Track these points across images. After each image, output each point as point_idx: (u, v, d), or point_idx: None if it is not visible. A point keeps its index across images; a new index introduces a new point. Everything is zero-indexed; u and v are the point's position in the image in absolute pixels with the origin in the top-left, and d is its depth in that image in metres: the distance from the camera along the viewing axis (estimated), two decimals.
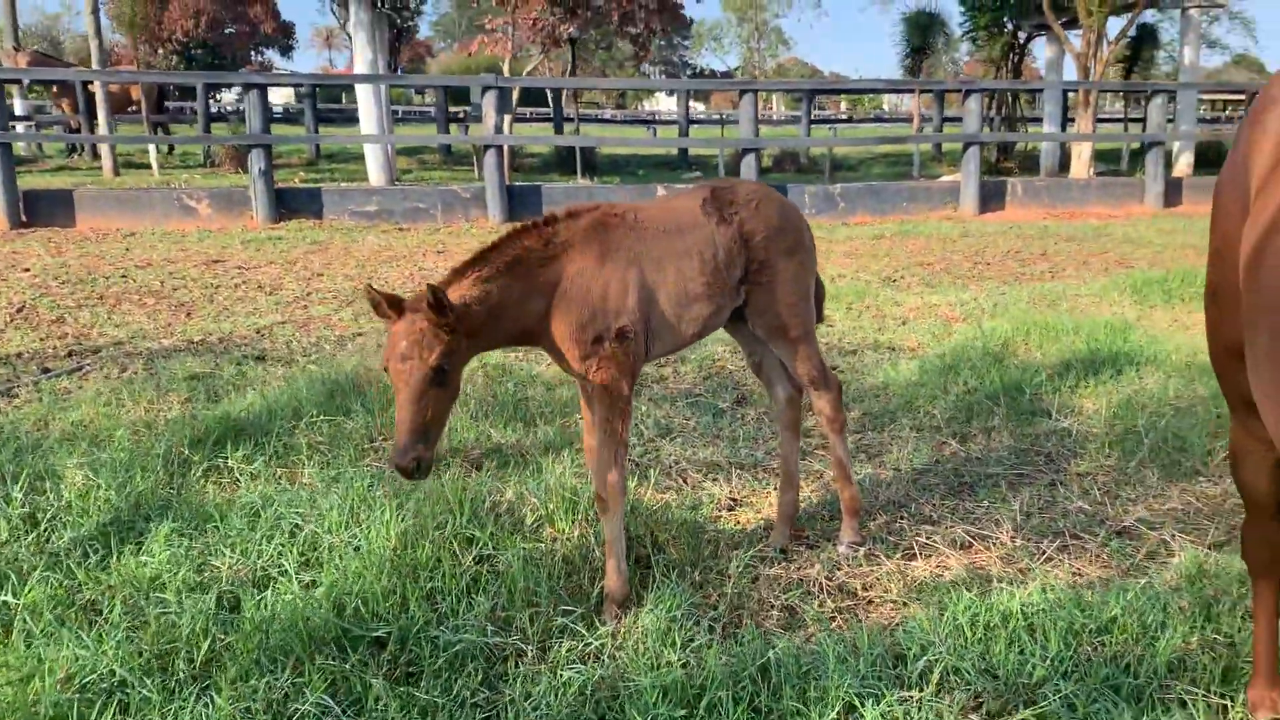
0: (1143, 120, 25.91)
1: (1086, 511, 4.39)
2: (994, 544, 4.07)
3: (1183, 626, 3.14)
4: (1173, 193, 15.28)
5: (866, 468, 4.94)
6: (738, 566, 3.71)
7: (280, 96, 54.44)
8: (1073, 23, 19.45)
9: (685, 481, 4.72)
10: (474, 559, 3.52)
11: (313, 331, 7.58)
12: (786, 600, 3.55)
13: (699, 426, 5.50)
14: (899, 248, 11.61)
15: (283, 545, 3.59)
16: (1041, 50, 24.26)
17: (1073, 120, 24.00)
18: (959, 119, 35.78)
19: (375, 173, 15.79)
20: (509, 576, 3.41)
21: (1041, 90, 21.33)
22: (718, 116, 38.41)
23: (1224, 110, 44.12)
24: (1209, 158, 21.49)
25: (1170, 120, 18.58)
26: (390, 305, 2.99)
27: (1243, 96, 27.28)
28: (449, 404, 3.07)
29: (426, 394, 2.94)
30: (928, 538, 4.11)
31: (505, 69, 21.00)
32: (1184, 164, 18.32)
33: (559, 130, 25.38)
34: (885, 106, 70.37)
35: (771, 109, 62.84)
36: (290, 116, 44.05)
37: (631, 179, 20.71)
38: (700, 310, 3.54)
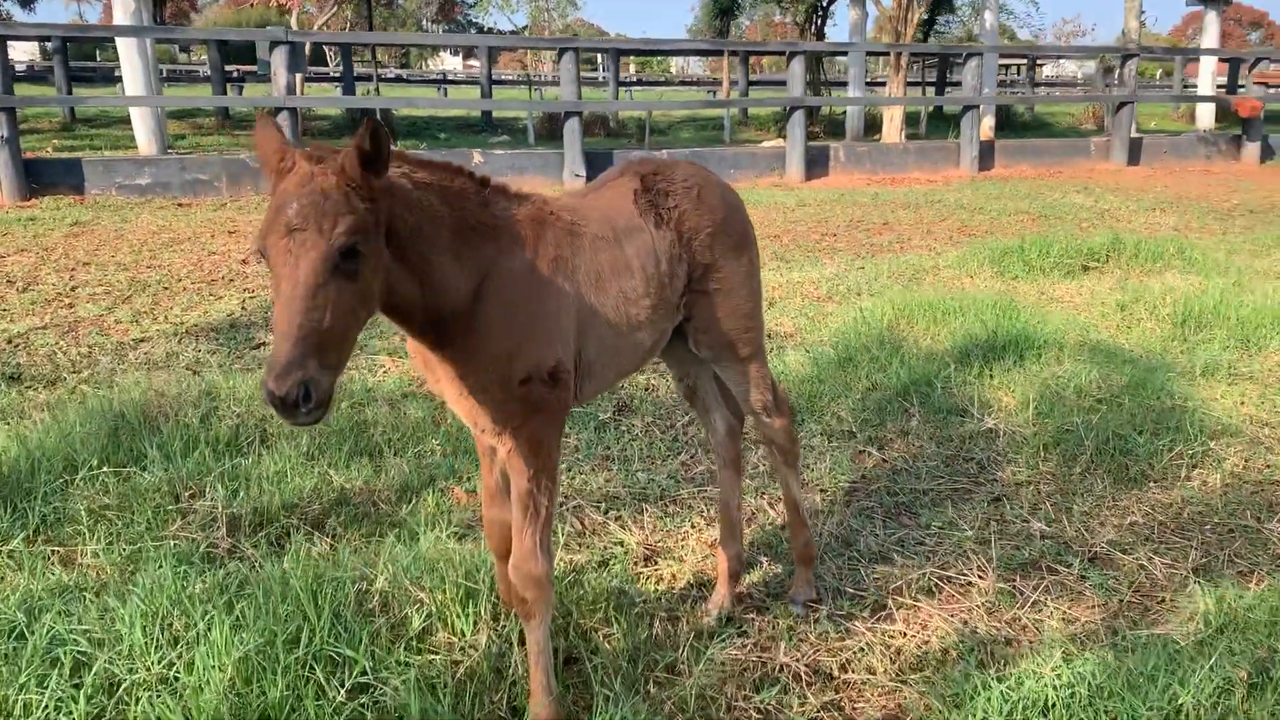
0: (936, 84, 26.64)
1: (1047, 534, 3.84)
2: (967, 588, 3.44)
3: (1259, 711, 2.57)
4: (985, 156, 15.46)
5: None
6: (690, 658, 2.91)
7: (23, 53, 48.94)
8: None
9: (585, 526, 3.86)
10: (347, 691, 2.55)
11: (82, 338, 6.19)
12: (761, 702, 2.78)
13: (581, 446, 4.64)
14: None
15: (63, 693, 2.50)
16: (844, 14, 24.32)
17: (877, 85, 24.33)
18: (762, 82, 35.99)
19: (145, 139, 13.87)
20: (399, 715, 2.47)
21: (846, 53, 21.31)
22: (522, 77, 37.05)
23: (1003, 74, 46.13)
24: (1002, 121, 22.18)
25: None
26: (279, 154, 2.05)
27: (1024, 60, 28.49)
28: (358, 315, 2.06)
29: (325, 286, 1.95)
30: (890, 585, 3.44)
31: (293, 23, 19.13)
32: (986, 127, 18.66)
33: (350, 90, 23.54)
34: (673, 69, 70.53)
35: (554, 68, 61.60)
36: (37, 75, 39.48)
37: (436, 143, 19.38)
38: (642, 339, 2.74)
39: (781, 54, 15.76)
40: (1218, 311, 6.26)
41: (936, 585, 3.47)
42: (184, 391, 4.78)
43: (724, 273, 2.90)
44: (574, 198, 2.82)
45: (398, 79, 44.58)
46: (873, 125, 22.30)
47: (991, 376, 5.34)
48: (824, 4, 23.43)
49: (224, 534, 3.55)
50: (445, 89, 37.62)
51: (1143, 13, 18.60)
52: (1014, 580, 3.51)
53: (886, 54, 18.78)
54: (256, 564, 3.35)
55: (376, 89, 23.87)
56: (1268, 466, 4.39)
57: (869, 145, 15.78)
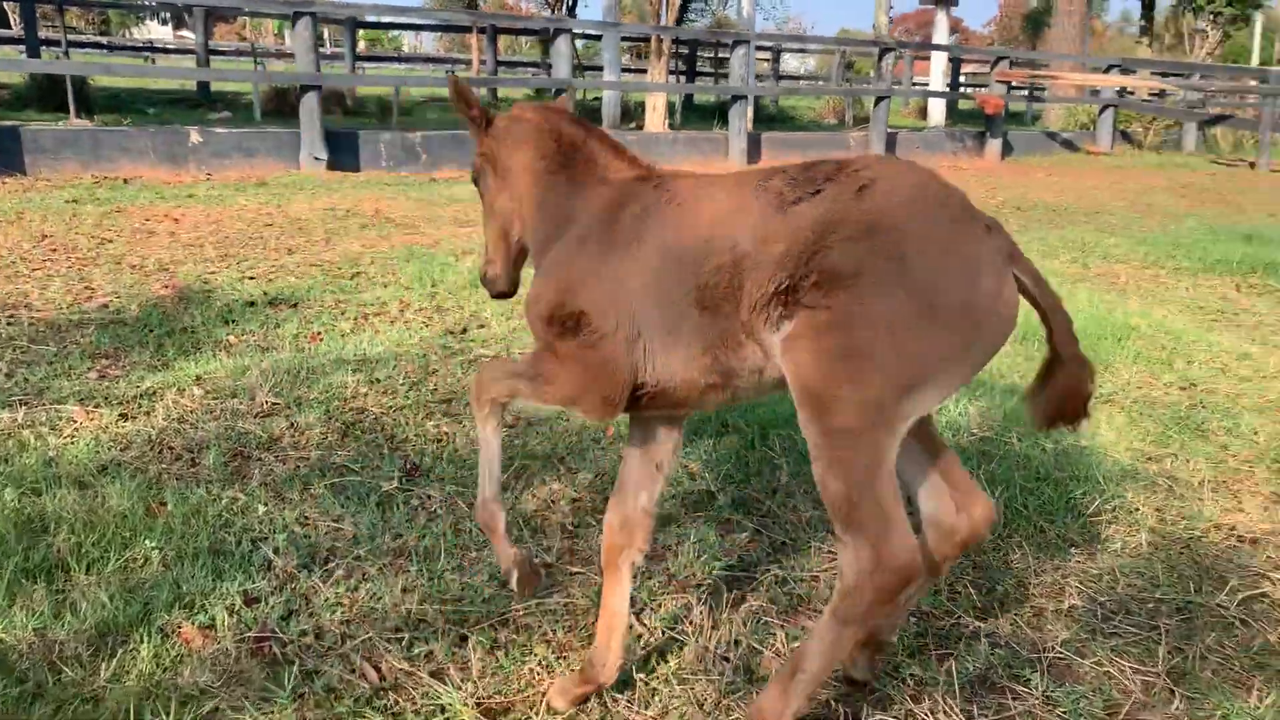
0: (687, 73, 26.40)
1: (985, 632, 3.03)
2: None
3: None
4: (752, 148, 15.07)
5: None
6: None
7: None
8: None
9: (382, 675, 2.67)
10: None
11: None
12: None
13: (360, 533, 3.42)
14: None
15: None
16: None
17: (628, 71, 23.65)
18: (509, 63, 34.70)
19: None
20: None
21: (600, 36, 20.45)
22: (242, 48, 33.75)
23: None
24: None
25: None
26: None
27: (770, 52, 28.79)
28: (495, 228, 2.76)
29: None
30: None
31: None
32: (748, 118, 18.41)
33: (35, 55, 20.27)
34: (405, 46, 68.04)
35: (280, 41, 57.24)
36: None
37: (142, 118, 16.86)
38: (695, 342, 2.24)
39: (535, 33, 14.66)
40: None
41: None
42: None
43: (854, 287, 1.96)
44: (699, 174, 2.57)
45: (96, 46, 39.80)
46: (626, 113, 21.63)
47: None
48: None
49: None
50: (153, 58, 33.84)
51: (890, 8, 18.97)
52: (970, 710, 2.66)
53: (646, 39, 18.09)
54: None
55: (65, 52, 20.73)
56: (1182, 518, 3.80)
57: (637, 134, 15.01)
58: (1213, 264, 8.27)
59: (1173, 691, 2.79)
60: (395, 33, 56.75)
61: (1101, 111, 20.34)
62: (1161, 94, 22.45)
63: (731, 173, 2.50)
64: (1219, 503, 3.91)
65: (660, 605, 3.08)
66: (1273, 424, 4.72)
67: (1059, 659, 2.94)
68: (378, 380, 4.81)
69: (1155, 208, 12.56)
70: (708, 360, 2.27)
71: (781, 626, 3.01)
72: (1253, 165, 18.22)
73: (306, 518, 3.51)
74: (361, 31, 57.03)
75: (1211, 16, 26.08)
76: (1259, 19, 34.15)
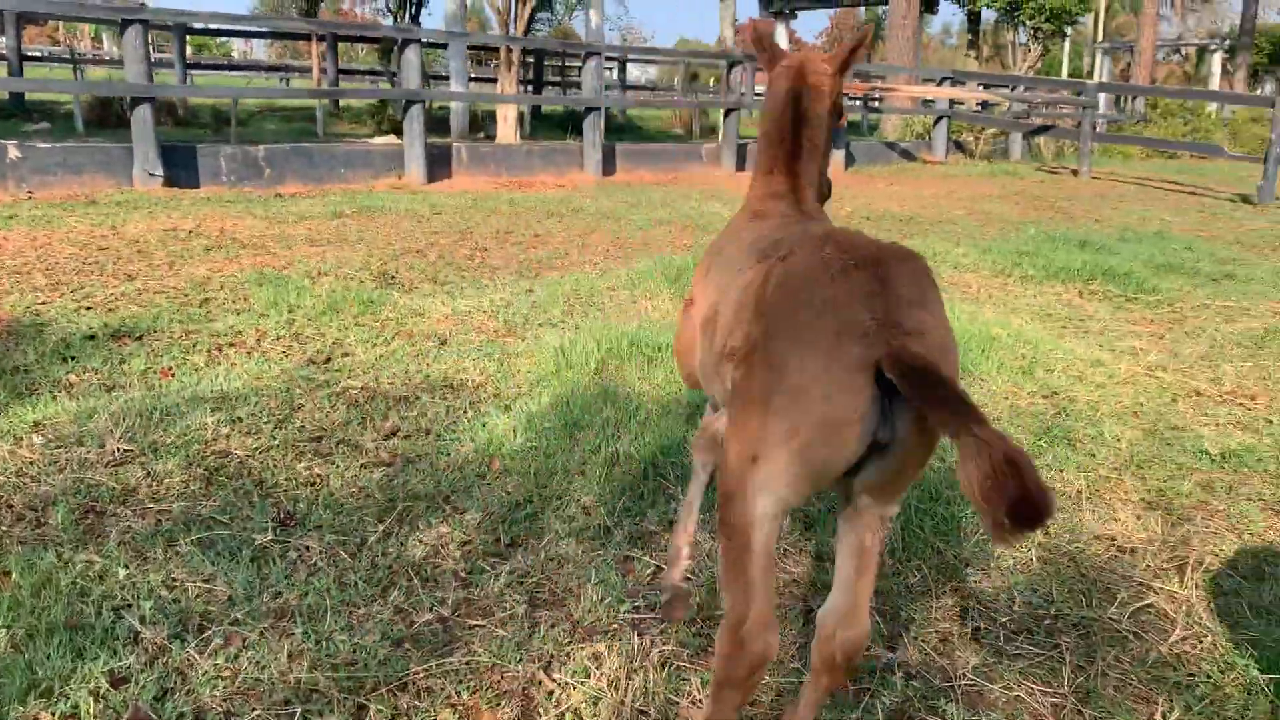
0: (533, 83, 26.21)
1: (897, 662, 3.01)
2: None
3: None
4: (607, 160, 15.01)
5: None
6: None
7: None
8: None
9: None
10: None
11: None
12: None
13: (235, 593, 3.16)
14: (370, 230, 9.46)
15: None
16: (439, 3, 22.97)
17: (475, 80, 23.27)
18: (351, 71, 33.69)
19: None
20: None
21: (446, 45, 20.03)
22: (56, 53, 31.59)
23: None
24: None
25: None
26: None
27: (616, 63, 28.88)
28: None
29: None
30: None
31: None
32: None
33: None
34: (235, 53, 65.63)
35: (98, 46, 53.98)
36: None
37: None
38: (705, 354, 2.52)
39: (378, 41, 14.23)
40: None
41: None
42: None
43: (742, 371, 2.08)
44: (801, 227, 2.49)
45: None
46: (474, 124, 21.31)
47: None
48: None
49: None
50: None
51: (736, 21, 19.29)
52: None
53: (487, 48, 17.83)
54: None
55: None
56: (1065, 531, 3.90)
57: (493, 146, 14.74)
58: (1056, 271, 8.65)
59: (1080, 711, 2.84)
60: (224, 39, 54.45)
61: (936, 122, 21.21)
62: (985, 105, 23.58)
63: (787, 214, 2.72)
64: (1096, 513, 4.03)
65: (569, 657, 2.94)
66: (1131, 430, 4.92)
67: (970, 685, 2.94)
68: (239, 419, 4.49)
69: (993, 216, 13.12)
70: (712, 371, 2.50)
71: (695, 671, 2.92)
72: (1075, 173, 19.31)
73: (174, 579, 3.21)
74: (188, 37, 54.35)
75: (1033, 31, 27.59)
76: (1070, 34, 36.37)
